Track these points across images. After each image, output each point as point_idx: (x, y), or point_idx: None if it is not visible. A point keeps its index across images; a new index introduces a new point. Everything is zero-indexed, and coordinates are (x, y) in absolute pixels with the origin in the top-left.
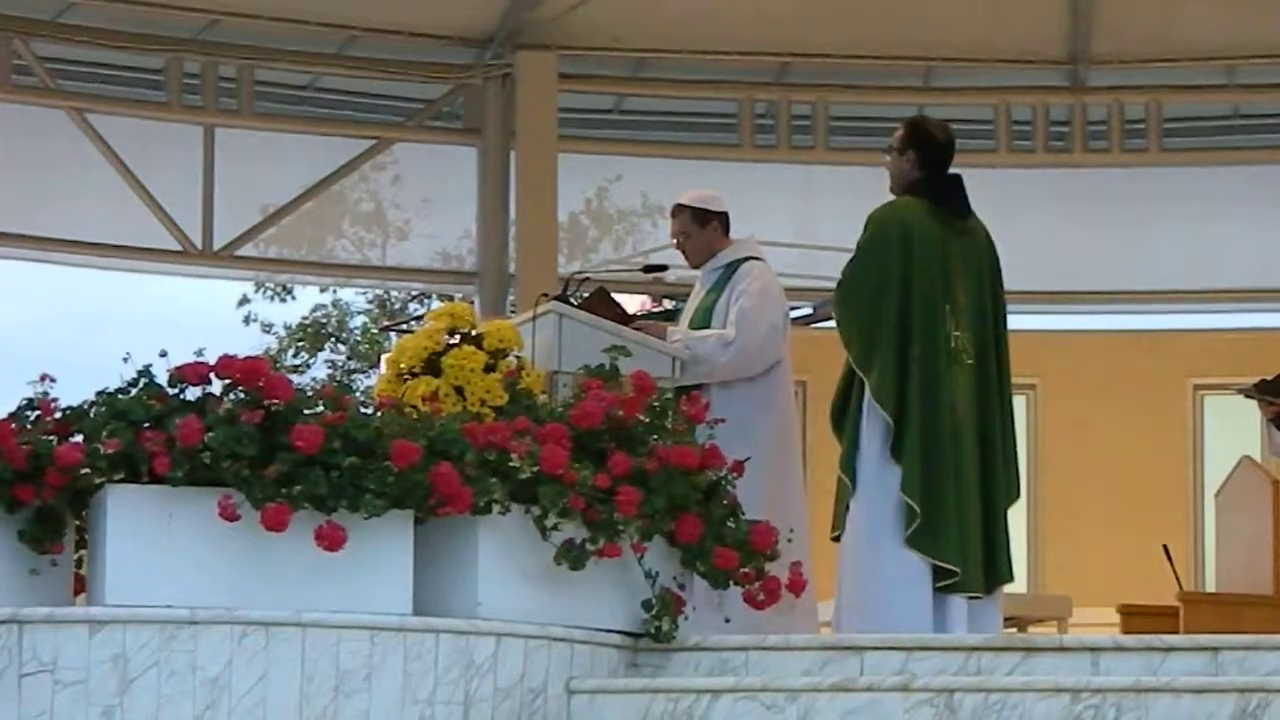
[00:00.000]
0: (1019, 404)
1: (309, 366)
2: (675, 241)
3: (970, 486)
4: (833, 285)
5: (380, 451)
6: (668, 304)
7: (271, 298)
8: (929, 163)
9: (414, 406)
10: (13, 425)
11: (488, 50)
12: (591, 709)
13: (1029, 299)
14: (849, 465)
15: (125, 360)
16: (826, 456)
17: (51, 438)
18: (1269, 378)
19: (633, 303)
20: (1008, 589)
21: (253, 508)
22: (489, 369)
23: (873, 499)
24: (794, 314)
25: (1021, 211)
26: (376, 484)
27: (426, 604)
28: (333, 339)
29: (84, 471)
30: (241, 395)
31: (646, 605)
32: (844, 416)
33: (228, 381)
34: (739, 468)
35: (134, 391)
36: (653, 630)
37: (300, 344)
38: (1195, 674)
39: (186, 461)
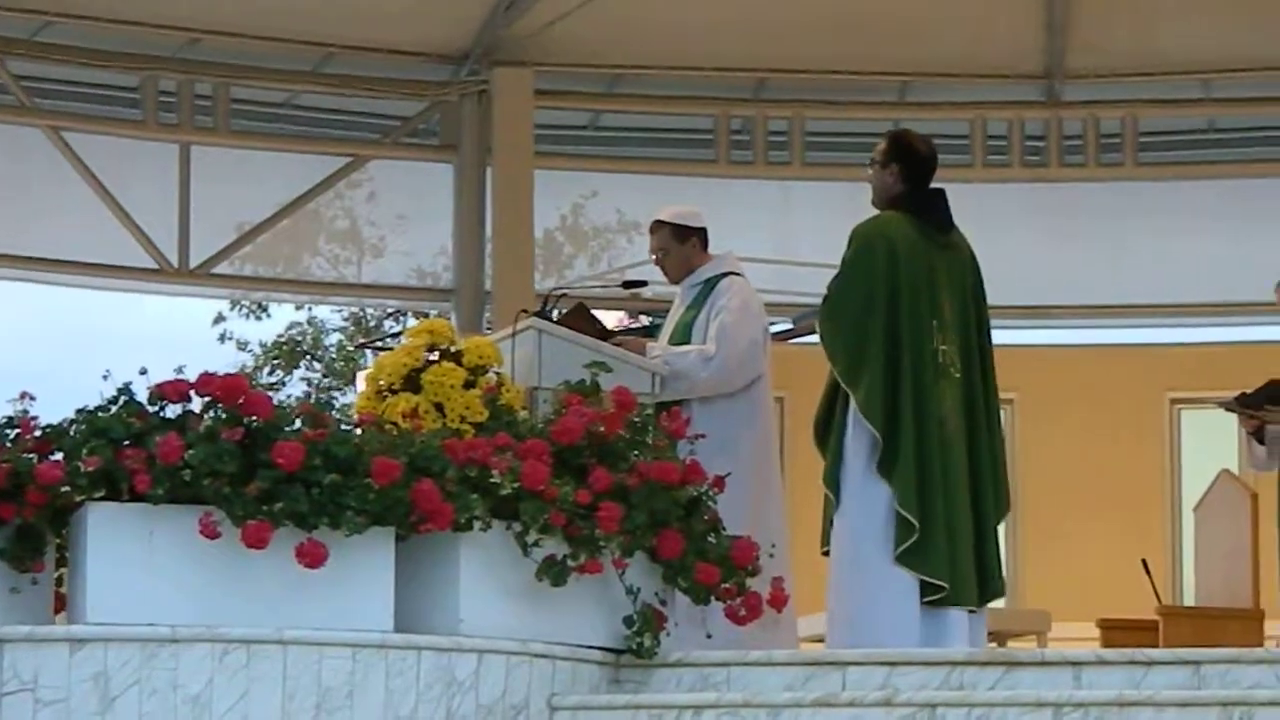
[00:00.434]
0: None
1: (285, 384)
2: (654, 258)
3: (961, 500)
4: (810, 301)
5: (361, 468)
6: (645, 320)
7: (247, 315)
8: (912, 176)
9: (394, 423)
10: None
11: (463, 67)
12: None
13: (1005, 313)
14: (833, 480)
15: (105, 378)
16: (806, 471)
17: (31, 456)
18: (1249, 391)
19: (610, 319)
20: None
21: (233, 525)
22: (469, 385)
23: (857, 513)
24: (773, 329)
25: (997, 226)
26: (357, 501)
27: (408, 621)
28: (308, 356)
29: (64, 489)
30: (221, 413)
31: (628, 621)
32: (827, 431)
33: (208, 399)
34: (720, 483)
35: (114, 409)
36: (634, 646)
37: (276, 362)
38: (1178, 688)
39: (167, 479)
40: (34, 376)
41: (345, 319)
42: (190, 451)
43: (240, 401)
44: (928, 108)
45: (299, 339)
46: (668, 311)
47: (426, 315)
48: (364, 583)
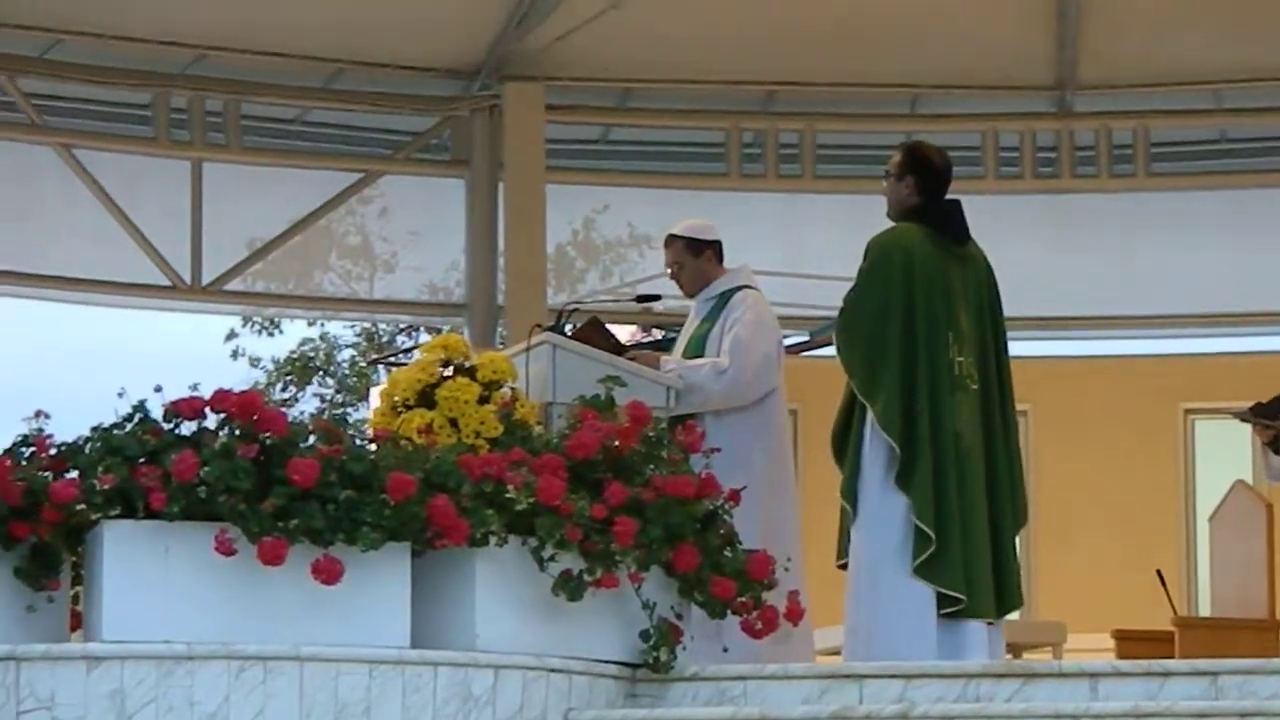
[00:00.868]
0: None
1: (297, 400)
2: (669, 272)
3: (978, 512)
4: (821, 314)
5: (376, 484)
6: (658, 334)
7: (259, 332)
8: (927, 188)
9: (409, 439)
10: (8, 462)
11: (475, 82)
12: None
13: (1018, 325)
14: (850, 492)
15: (120, 395)
16: (821, 484)
17: (47, 474)
18: (1264, 401)
19: (623, 333)
20: None
21: (249, 542)
22: (483, 400)
23: (875, 526)
24: (788, 341)
25: (1009, 238)
26: (373, 517)
27: (424, 636)
28: (321, 372)
29: (80, 507)
30: (236, 429)
31: (644, 635)
32: (845, 443)
33: (223, 416)
34: (735, 497)
35: (129, 427)
36: (651, 660)
37: (289, 378)
38: (1194, 699)
39: (182, 496)
40: (48, 395)
41: (358, 335)
42: (205, 468)
43: (255, 418)
44: (939, 120)
45: (311, 355)
46: (681, 325)
47: (439, 330)
48: (380, 599)
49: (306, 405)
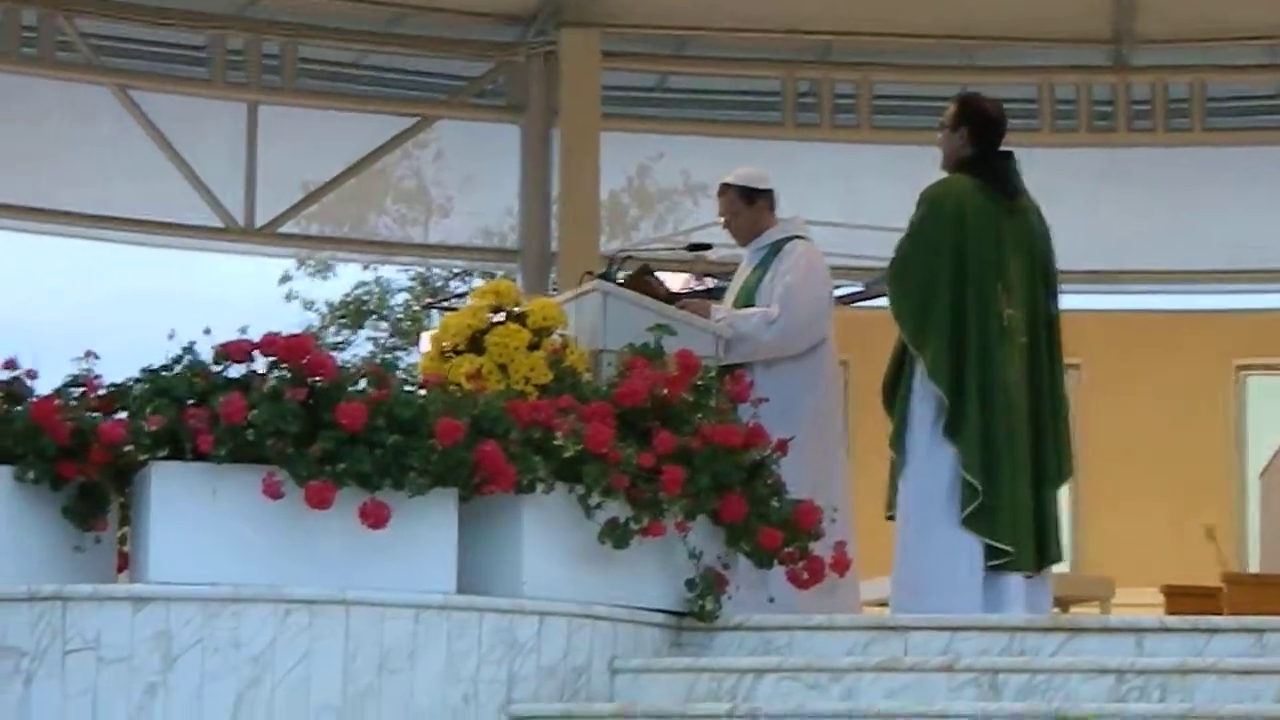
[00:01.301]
0: None
1: (350, 344)
2: (722, 220)
3: (1022, 465)
4: (875, 264)
5: (424, 429)
6: (710, 282)
7: (313, 275)
8: (981, 140)
9: (458, 384)
10: (57, 402)
11: (531, 28)
12: (635, 688)
13: (1071, 279)
14: (899, 443)
15: (170, 337)
16: (871, 435)
17: (95, 414)
18: None
19: (675, 281)
20: None
21: (296, 485)
22: (533, 347)
23: (923, 477)
24: (844, 292)
25: (1063, 191)
26: (420, 462)
27: (470, 582)
28: (374, 316)
29: (127, 448)
30: (285, 373)
31: (690, 584)
32: (895, 394)
33: (272, 359)
34: (783, 447)
35: (178, 369)
36: (696, 610)
37: (342, 321)
38: (1240, 655)
39: (230, 439)
40: (99, 335)
41: (411, 279)
42: (254, 411)
43: (304, 361)
44: (995, 72)
45: (365, 299)
46: (733, 274)
47: (492, 276)
48: (427, 544)
49: (359, 349)
